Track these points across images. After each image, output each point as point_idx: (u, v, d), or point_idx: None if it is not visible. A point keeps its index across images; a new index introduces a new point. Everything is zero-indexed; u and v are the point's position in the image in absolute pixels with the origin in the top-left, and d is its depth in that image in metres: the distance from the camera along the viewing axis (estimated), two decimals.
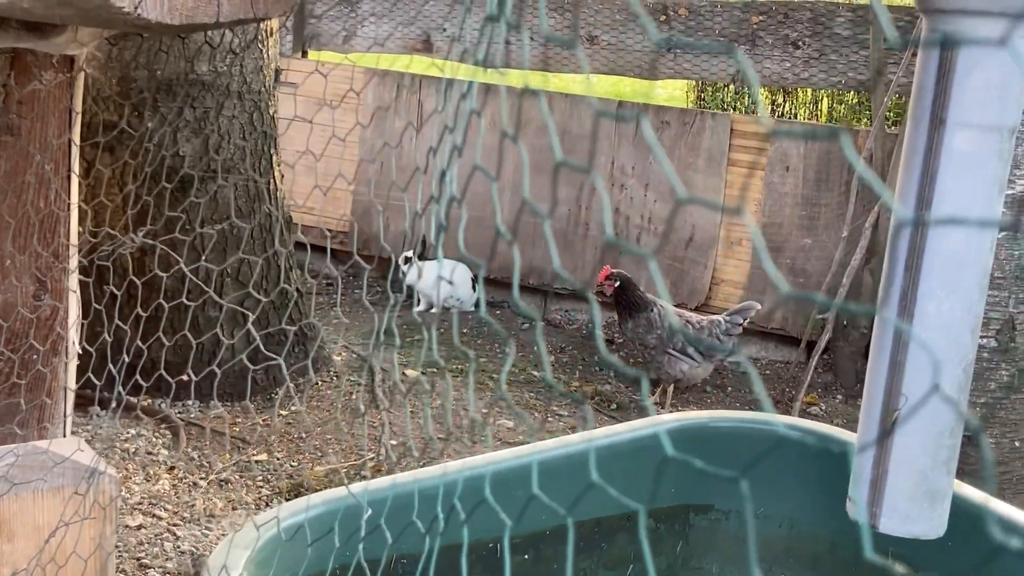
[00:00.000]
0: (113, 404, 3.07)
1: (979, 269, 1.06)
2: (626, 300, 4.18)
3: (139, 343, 1.71)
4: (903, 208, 1.06)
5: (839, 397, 4.47)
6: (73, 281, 1.39)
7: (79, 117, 1.27)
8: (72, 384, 1.53)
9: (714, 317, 4.26)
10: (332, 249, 5.17)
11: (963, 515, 1.28)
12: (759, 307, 4.32)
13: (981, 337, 3.52)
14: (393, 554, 1.39)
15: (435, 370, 4.35)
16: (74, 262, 1.35)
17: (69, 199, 1.32)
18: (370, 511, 1.40)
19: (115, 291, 3.18)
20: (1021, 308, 3.28)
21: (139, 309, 3.06)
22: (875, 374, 1.15)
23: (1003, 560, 1.48)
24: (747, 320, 4.26)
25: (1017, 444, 3.19)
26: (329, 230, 5.52)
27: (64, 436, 1.56)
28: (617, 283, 4.17)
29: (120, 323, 1.69)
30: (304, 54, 5.88)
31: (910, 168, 1.09)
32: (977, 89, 1.05)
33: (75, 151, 1.26)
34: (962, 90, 1.05)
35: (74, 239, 1.36)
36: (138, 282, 2.73)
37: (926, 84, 1.08)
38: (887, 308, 1.09)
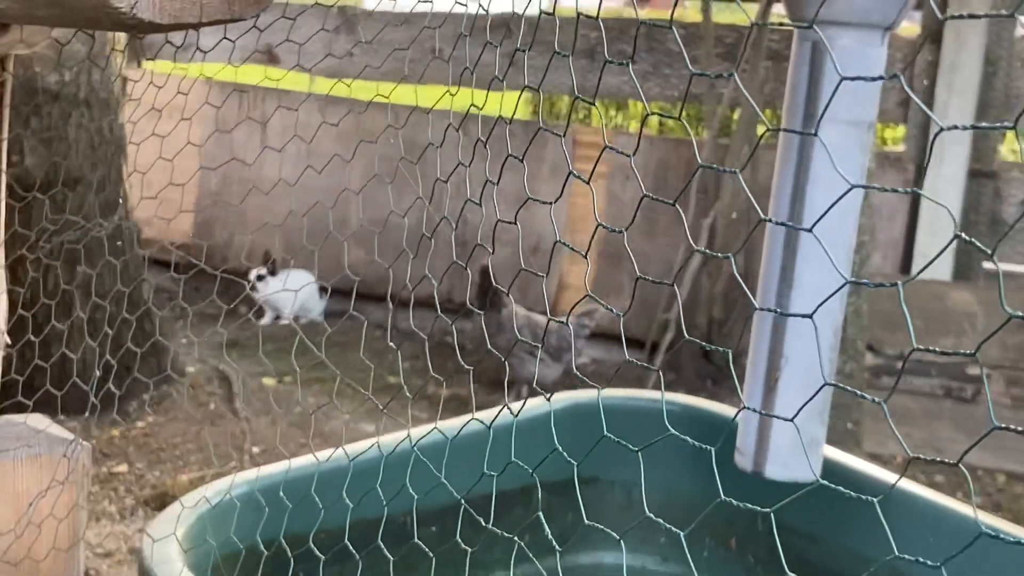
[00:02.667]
0: None
1: (846, 243, 1.23)
2: (485, 292, 4.28)
3: None
4: (781, 192, 1.21)
5: (681, 393, 4.71)
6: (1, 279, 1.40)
7: (7, 115, 1.29)
8: None
9: (562, 320, 4.42)
10: (176, 263, 5.10)
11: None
12: (604, 311, 4.51)
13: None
14: (313, 530, 1.46)
15: (291, 379, 4.36)
16: (1, 258, 1.37)
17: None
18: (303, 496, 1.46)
19: None
20: (847, 301, 3.56)
21: None
22: (759, 339, 1.30)
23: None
24: (594, 323, 4.44)
25: (850, 426, 3.46)
26: (172, 243, 5.44)
27: None
28: (478, 276, 4.27)
29: None
30: (138, 64, 5.79)
31: (786, 159, 1.24)
32: (841, 89, 1.21)
33: (4, 147, 1.27)
34: (829, 91, 1.21)
35: (0, 236, 1.37)
36: None
37: (799, 85, 1.24)
38: (769, 278, 1.24)
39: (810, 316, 0.66)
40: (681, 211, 1.07)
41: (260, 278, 5.03)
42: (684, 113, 6.87)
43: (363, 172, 5.18)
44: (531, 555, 1.32)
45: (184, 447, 3.54)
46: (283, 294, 4.96)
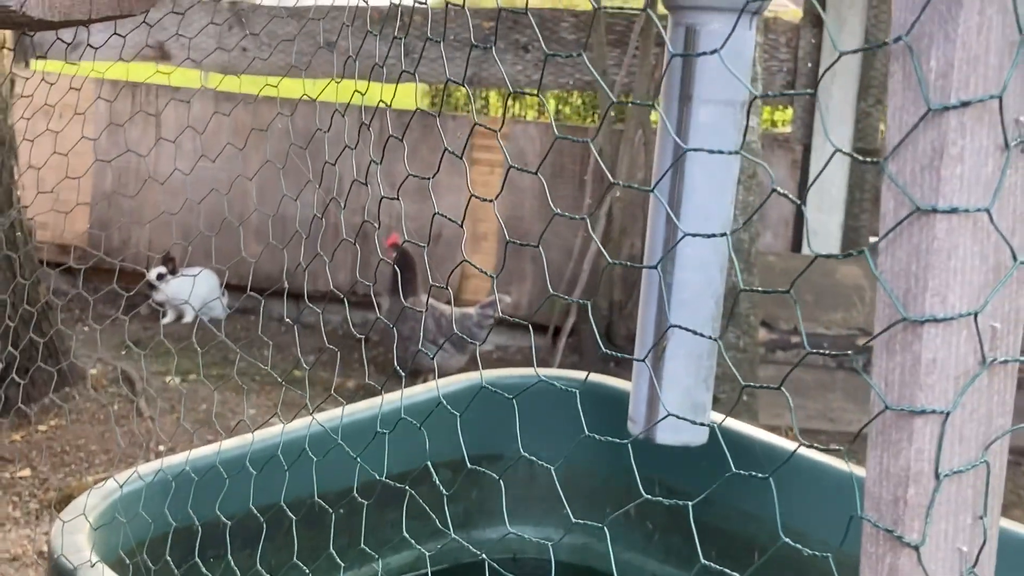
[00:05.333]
0: None
1: (723, 218, 1.30)
2: (405, 275, 4.26)
3: None
4: (661, 171, 1.28)
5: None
6: None
7: None
8: None
9: (466, 310, 4.48)
10: (70, 265, 5.02)
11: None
12: (508, 299, 4.58)
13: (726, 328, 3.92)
14: (222, 515, 1.49)
15: (195, 377, 4.33)
16: None
17: None
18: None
19: None
20: (741, 279, 3.68)
21: None
22: (646, 311, 1.37)
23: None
24: (497, 312, 4.50)
25: (745, 399, 3.59)
26: (65, 244, 5.34)
27: None
28: (397, 255, 4.25)
29: None
30: (27, 64, 5.66)
31: (665, 138, 1.31)
32: (714, 71, 1.28)
33: None
34: (702, 72, 1.28)
35: None
36: None
37: (674, 68, 1.31)
38: (653, 256, 1.31)
39: (655, 267, 0.72)
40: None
41: (160, 277, 4.98)
42: (581, 100, 6.96)
43: (261, 168, 5.16)
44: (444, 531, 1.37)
45: (88, 448, 3.50)
46: (184, 293, 4.92)
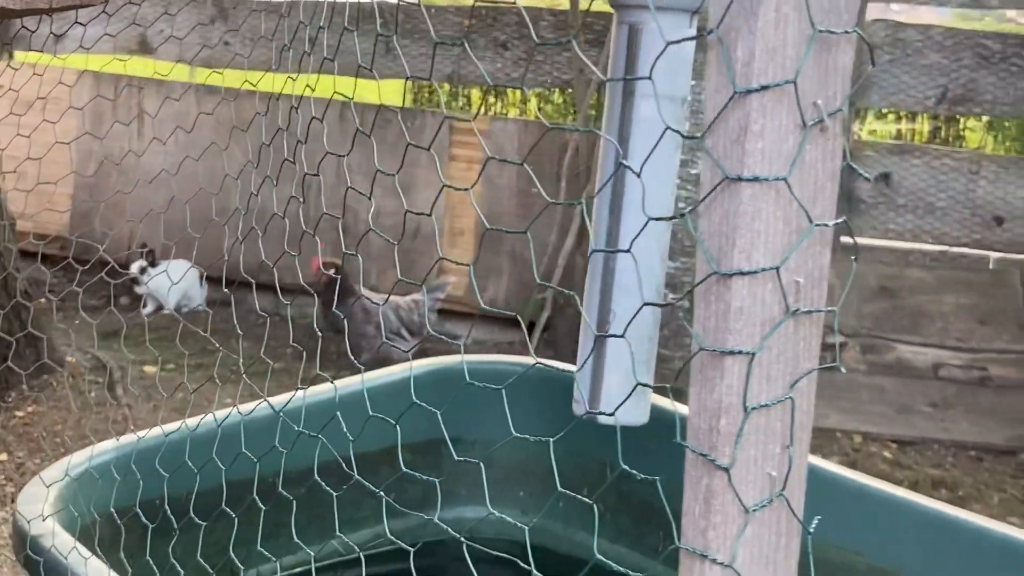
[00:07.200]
0: None
1: (664, 207, 1.36)
2: (341, 289, 4.37)
3: None
4: (605, 163, 1.35)
5: None
6: None
7: None
8: None
9: (417, 297, 4.58)
10: (51, 255, 5.07)
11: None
12: (453, 280, 4.67)
13: (677, 299, 3.98)
14: (183, 491, 1.54)
15: (174, 366, 4.38)
16: None
17: None
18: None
19: None
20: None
21: None
22: (591, 297, 1.43)
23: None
24: (444, 294, 4.60)
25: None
26: (45, 235, 5.38)
27: None
28: (332, 271, 4.34)
29: None
30: (11, 56, 5.70)
31: (610, 131, 1.38)
32: (656, 68, 1.34)
33: None
34: (645, 69, 1.35)
35: None
36: None
37: (619, 64, 1.37)
38: (598, 243, 1.37)
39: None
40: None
41: (143, 270, 5.05)
42: (562, 98, 7.02)
43: (242, 161, 5.20)
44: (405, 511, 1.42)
45: (65, 435, 3.55)
46: (165, 284, 4.96)
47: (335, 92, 1.80)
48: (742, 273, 0.74)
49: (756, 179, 0.72)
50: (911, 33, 4.90)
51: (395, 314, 4.49)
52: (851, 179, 5.00)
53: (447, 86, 6.54)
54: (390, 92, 8.63)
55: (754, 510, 0.73)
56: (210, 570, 1.62)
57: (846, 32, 0.72)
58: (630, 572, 1.00)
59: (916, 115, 6.24)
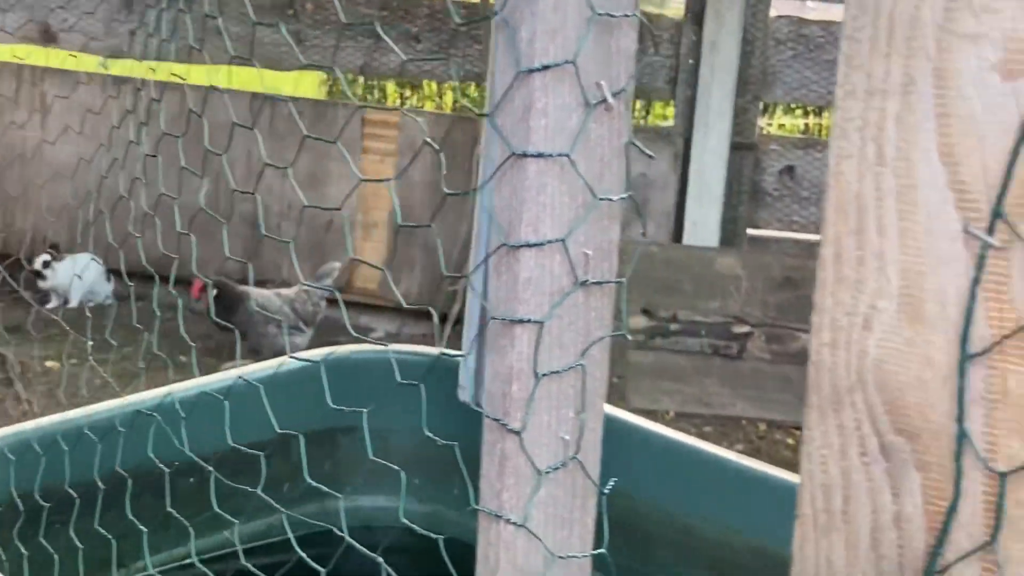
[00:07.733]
0: None
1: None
2: (226, 303, 4.37)
3: None
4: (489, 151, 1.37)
5: None
6: None
7: None
8: None
9: (305, 287, 4.61)
10: None
11: None
12: (339, 266, 4.71)
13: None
14: (66, 482, 1.54)
15: (76, 361, 4.32)
16: None
17: None
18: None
19: None
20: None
21: None
22: (475, 285, 1.46)
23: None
24: (332, 279, 4.63)
25: (616, 380, 3.72)
26: None
27: None
28: (215, 292, 4.35)
29: None
30: None
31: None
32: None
33: None
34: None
35: None
36: None
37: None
38: (480, 230, 1.40)
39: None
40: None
41: (46, 264, 4.96)
42: (477, 91, 7.04)
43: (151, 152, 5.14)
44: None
45: None
46: (69, 279, 4.89)
47: (210, 84, 1.81)
48: (529, 245, 0.77)
49: (540, 155, 0.75)
50: (814, 29, 5.01)
51: (289, 307, 4.56)
52: (757, 172, 5.11)
53: (361, 79, 6.52)
54: (307, 85, 8.58)
55: (547, 472, 0.76)
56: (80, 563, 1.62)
57: (626, 15, 0.75)
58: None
59: (823, 110, 6.38)
